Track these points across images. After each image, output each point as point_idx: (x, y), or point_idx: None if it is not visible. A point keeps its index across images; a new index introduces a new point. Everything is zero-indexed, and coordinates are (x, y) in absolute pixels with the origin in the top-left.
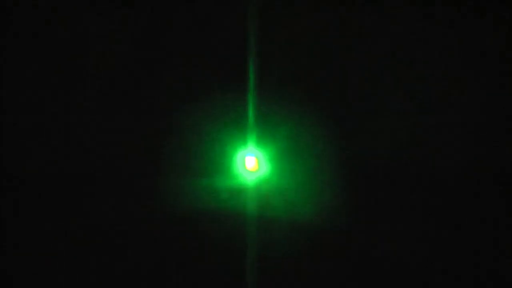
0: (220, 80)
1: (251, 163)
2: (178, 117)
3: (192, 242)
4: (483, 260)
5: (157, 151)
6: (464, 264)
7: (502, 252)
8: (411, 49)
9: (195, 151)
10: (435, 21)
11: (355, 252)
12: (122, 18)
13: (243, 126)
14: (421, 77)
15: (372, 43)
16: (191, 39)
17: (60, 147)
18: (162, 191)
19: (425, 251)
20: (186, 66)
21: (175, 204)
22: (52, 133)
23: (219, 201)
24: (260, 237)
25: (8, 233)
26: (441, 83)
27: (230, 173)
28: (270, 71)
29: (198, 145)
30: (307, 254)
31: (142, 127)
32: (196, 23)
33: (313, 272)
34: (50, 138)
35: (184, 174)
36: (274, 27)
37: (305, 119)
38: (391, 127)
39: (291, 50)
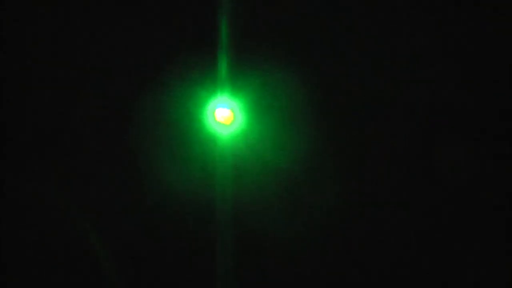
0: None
1: (223, 115)
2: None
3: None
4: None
5: (125, 104)
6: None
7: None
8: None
9: (163, 101)
10: None
11: (333, 205)
12: None
13: (213, 75)
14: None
15: None
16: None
17: None
18: (129, 148)
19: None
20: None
21: (144, 159)
22: None
23: (190, 157)
24: (233, 195)
25: None
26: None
27: (201, 126)
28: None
29: (166, 96)
30: (284, 211)
31: (112, 84)
32: None
33: (288, 229)
34: None
35: (153, 127)
36: None
37: (280, 66)
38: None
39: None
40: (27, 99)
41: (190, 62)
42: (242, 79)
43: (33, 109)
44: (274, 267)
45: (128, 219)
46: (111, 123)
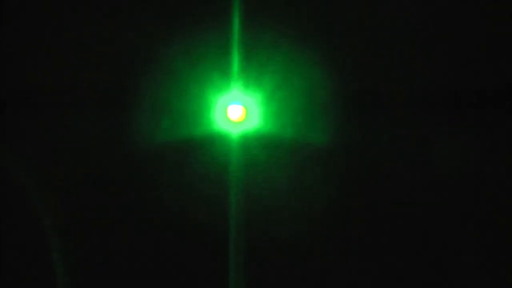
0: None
1: (235, 113)
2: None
3: (171, 197)
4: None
5: (133, 100)
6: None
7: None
8: None
9: (172, 99)
10: None
11: (349, 200)
12: None
13: (226, 70)
14: None
15: None
16: None
17: None
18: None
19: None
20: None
21: (151, 159)
22: None
23: (200, 158)
24: (245, 198)
25: None
26: None
27: (212, 125)
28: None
29: (176, 92)
30: (298, 213)
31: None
32: None
33: (301, 228)
34: None
35: (161, 127)
36: None
37: (295, 58)
38: (388, 60)
39: None
40: None
41: (201, 54)
42: (257, 74)
43: None
44: (286, 265)
45: (133, 219)
46: (115, 121)
